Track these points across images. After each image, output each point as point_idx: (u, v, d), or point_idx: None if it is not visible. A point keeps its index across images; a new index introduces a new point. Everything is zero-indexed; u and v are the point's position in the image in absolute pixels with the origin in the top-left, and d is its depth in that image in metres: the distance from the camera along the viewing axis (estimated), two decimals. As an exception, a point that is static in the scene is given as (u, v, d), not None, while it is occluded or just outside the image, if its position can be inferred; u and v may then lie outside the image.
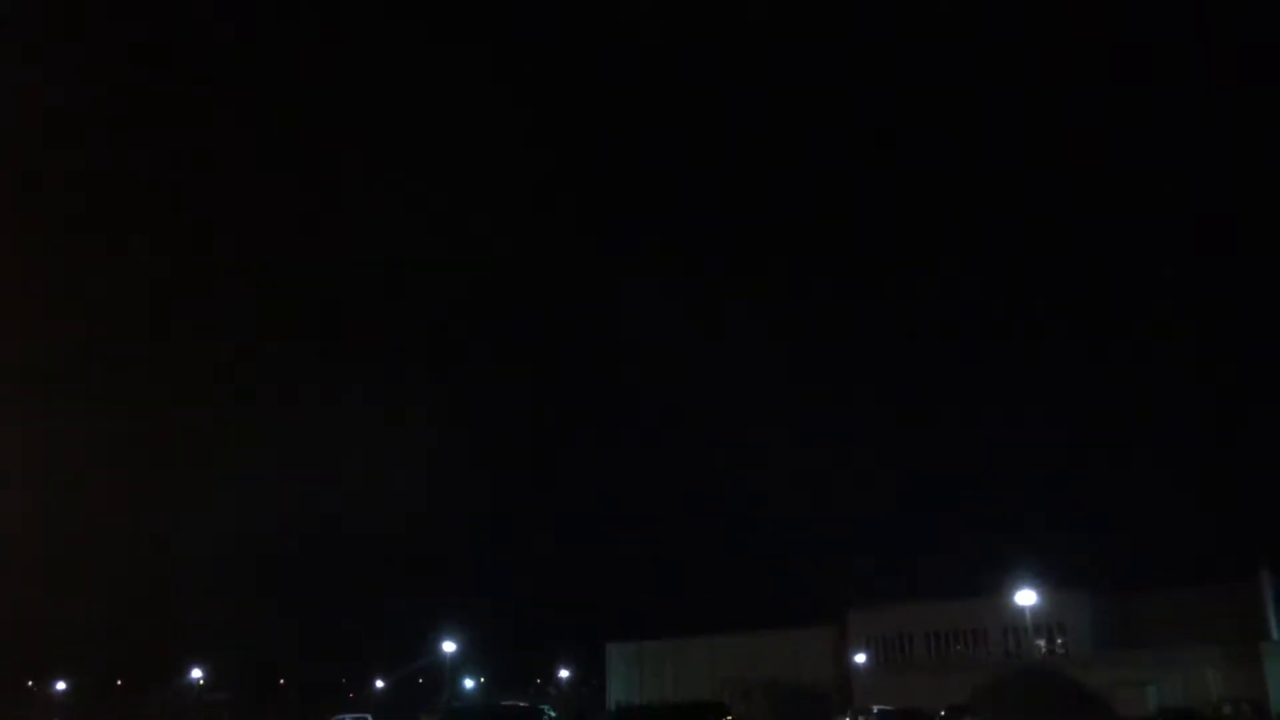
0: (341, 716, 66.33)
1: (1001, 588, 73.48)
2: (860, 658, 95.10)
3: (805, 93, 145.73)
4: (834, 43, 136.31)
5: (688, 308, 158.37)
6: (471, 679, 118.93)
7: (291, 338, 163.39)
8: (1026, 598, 66.22)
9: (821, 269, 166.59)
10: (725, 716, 31.15)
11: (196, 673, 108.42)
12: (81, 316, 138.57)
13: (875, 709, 59.18)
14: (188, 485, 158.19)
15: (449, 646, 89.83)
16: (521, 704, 33.35)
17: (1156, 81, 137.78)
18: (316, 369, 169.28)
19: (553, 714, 58.92)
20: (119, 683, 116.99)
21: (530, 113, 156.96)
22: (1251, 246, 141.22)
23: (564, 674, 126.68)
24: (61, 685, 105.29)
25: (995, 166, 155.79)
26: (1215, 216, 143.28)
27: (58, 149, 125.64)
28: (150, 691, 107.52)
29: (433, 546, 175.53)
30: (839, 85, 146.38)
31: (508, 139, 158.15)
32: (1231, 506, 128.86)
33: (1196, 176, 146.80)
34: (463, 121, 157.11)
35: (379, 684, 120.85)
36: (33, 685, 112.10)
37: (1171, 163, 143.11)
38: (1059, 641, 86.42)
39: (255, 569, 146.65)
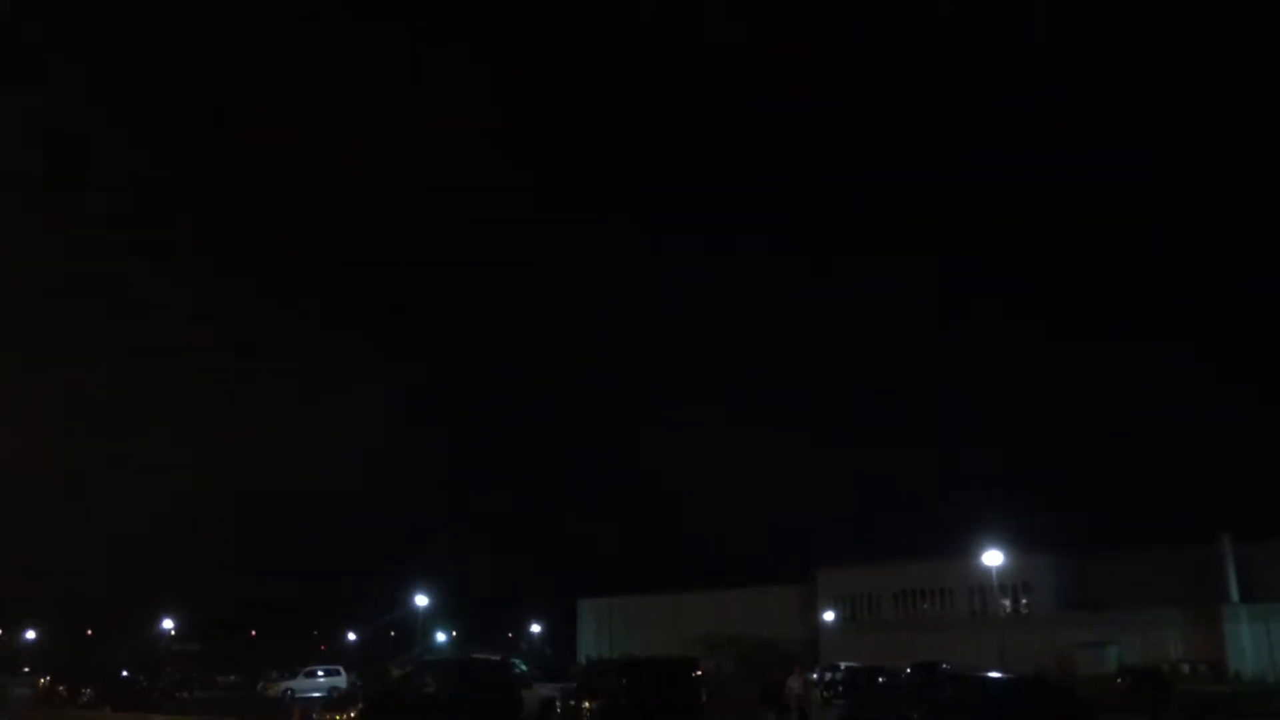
0: (314, 669, 66.47)
1: (968, 549, 74.26)
2: (829, 616, 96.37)
3: (775, 56, 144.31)
4: None
5: (654, 273, 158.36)
6: (443, 633, 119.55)
7: (250, 298, 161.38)
8: (993, 559, 66.97)
9: (785, 235, 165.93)
10: (695, 671, 31.34)
11: (167, 624, 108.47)
12: (36, 267, 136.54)
13: (842, 666, 59.75)
14: (154, 440, 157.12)
15: (421, 601, 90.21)
16: (493, 658, 33.66)
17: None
18: (275, 328, 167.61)
19: (523, 667, 59.51)
20: (89, 633, 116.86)
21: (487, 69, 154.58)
22: (1197, 228, 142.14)
23: (535, 629, 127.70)
24: (31, 635, 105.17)
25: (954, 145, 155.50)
26: (1165, 202, 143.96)
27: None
28: (120, 642, 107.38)
29: (405, 502, 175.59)
30: (799, 46, 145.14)
31: (461, 92, 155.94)
32: (1196, 473, 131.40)
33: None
34: (405, 75, 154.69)
35: (351, 637, 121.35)
36: (3, 634, 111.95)
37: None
38: (1023, 602, 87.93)
39: (225, 523, 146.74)
